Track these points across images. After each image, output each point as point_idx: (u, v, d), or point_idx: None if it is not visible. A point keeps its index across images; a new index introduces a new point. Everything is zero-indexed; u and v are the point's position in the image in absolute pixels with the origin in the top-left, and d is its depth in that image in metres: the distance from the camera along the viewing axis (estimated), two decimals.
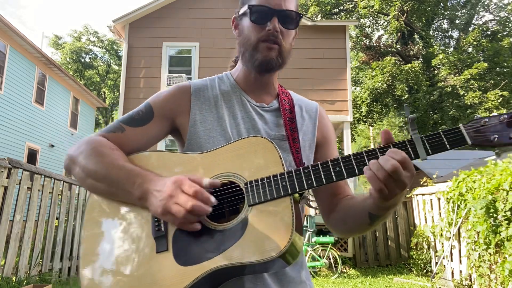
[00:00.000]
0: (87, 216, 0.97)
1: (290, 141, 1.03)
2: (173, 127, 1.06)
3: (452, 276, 5.23)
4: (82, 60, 32.13)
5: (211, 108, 1.06)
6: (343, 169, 0.84)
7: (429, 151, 0.80)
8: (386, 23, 22.65)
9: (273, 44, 1.01)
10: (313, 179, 0.85)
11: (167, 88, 1.10)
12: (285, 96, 1.14)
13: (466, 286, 4.87)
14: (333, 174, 0.85)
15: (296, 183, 0.86)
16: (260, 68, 1.03)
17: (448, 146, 0.79)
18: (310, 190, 0.93)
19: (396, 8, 19.37)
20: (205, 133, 1.02)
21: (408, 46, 21.19)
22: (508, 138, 0.78)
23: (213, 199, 0.83)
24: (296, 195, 0.88)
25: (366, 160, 0.83)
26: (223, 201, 0.90)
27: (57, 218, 6.07)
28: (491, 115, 0.81)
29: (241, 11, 1.06)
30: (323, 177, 0.85)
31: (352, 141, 17.98)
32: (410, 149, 0.81)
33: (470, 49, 19.42)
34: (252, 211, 0.85)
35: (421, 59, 20.60)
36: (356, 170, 0.83)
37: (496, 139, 0.78)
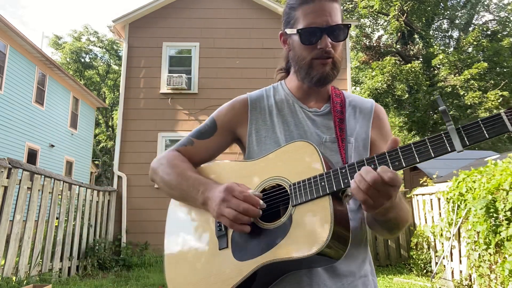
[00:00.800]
0: (168, 219, 1.17)
1: (339, 142, 1.07)
2: (235, 137, 1.18)
3: (452, 276, 5.23)
4: (82, 60, 32.12)
5: (266, 117, 1.14)
6: (378, 167, 0.84)
7: (466, 142, 0.77)
8: (386, 23, 22.65)
9: (326, 59, 1.06)
10: (349, 178, 0.88)
11: (228, 102, 1.20)
12: (338, 98, 1.18)
13: (466, 286, 4.87)
14: None
15: (333, 183, 0.90)
16: (318, 83, 1.10)
17: (487, 135, 0.76)
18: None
19: (396, 8, 19.37)
20: (260, 141, 1.12)
21: (408, 46, 21.19)
22: None
23: (261, 202, 0.93)
24: (339, 193, 0.92)
25: (401, 157, 0.83)
26: (273, 203, 0.99)
27: (57, 218, 6.07)
28: None
29: (289, 32, 1.10)
30: None
31: None
32: (446, 141, 0.79)
33: (470, 49, 19.42)
34: (296, 211, 0.93)
35: (421, 59, 20.60)
36: (391, 167, 0.83)
37: None
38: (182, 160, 1.15)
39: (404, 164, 0.83)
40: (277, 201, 0.99)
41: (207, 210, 1.02)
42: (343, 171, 0.90)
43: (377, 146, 1.15)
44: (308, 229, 0.89)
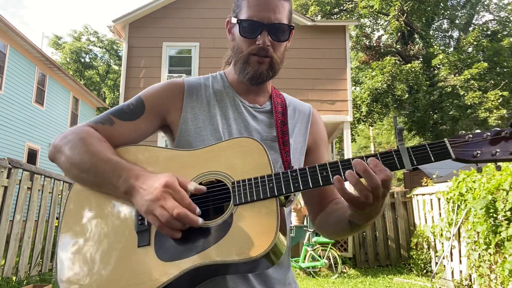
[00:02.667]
0: (69, 206, 0.95)
1: (280, 144, 1.03)
2: (164, 123, 1.05)
3: (452, 276, 5.23)
4: (82, 60, 32.13)
5: (203, 107, 1.05)
6: (330, 175, 0.85)
7: (414, 162, 0.83)
8: (386, 23, 22.65)
9: (263, 57, 1.01)
10: (300, 182, 0.86)
11: (160, 83, 1.08)
12: (278, 98, 1.13)
13: (466, 286, 4.87)
14: (320, 178, 0.86)
15: (283, 186, 0.86)
16: (251, 81, 1.04)
17: (432, 158, 0.83)
18: (297, 193, 0.93)
19: (396, 8, 19.37)
20: (195, 132, 1.01)
21: (408, 46, 21.18)
22: (490, 155, 0.82)
23: (198, 210, 0.82)
24: (282, 197, 0.89)
25: (353, 167, 0.84)
26: (209, 199, 0.90)
27: (57, 218, 6.07)
28: (475, 131, 0.85)
29: (233, 21, 1.04)
30: (310, 181, 0.86)
31: (352, 141, 17.99)
32: (396, 158, 0.84)
33: (470, 49, 19.42)
34: (238, 211, 0.86)
35: (421, 59, 20.60)
36: (343, 176, 0.83)
37: (478, 155, 0.82)
38: (98, 138, 0.95)
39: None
40: (215, 198, 0.90)
41: (130, 201, 0.87)
42: (294, 174, 0.87)
43: (313, 150, 1.13)
44: (251, 232, 0.82)
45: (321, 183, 0.85)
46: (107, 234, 0.89)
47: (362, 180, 0.80)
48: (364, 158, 0.84)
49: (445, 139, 0.84)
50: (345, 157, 1.08)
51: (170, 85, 1.07)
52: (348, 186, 0.90)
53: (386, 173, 0.79)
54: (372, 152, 0.88)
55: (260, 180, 0.87)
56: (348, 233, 0.99)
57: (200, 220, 0.81)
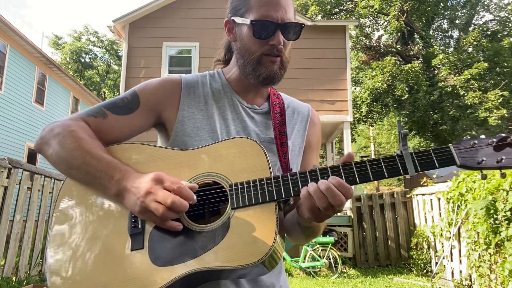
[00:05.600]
0: (59, 204, 0.91)
1: (278, 145, 1.01)
2: (158, 120, 1.02)
3: (452, 276, 5.23)
4: (82, 60, 32.13)
5: (201, 106, 1.02)
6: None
7: (418, 168, 0.82)
8: (386, 23, 22.64)
9: (275, 57, 0.99)
10: (301, 186, 0.84)
11: (157, 78, 1.05)
12: (276, 99, 1.11)
13: (466, 286, 4.86)
14: None
15: (282, 190, 0.84)
16: (264, 82, 1.01)
17: (437, 164, 0.81)
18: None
19: (396, 8, 19.37)
20: (192, 131, 0.98)
21: (408, 46, 21.17)
22: (495, 162, 0.80)
23: (194, 196, 0.80)
24: (281, 201, 0.86)
25: (355, 172, 0.83)
26: (205, 202, 0.87)
27: None
28: (480, 137, 0.83)
29: (239, 21, 1.00)
30: None
31: (352, 141, 17.98)
32: (399, 164, 0.82)
33: (470, 49, 19.41)
34: (235, 215, 0.83)
35: (421, 59, 20.59)
36: (344, 180, 0.83)
37: (483, 161, 0.81)
38: (89, 134, 0.91)
39: (358, 180, 0.83)
40: (211, 201, 0.87)
41: (121, 202, 0.85)
42: (294, 178, 0.84)
43: (306, 152, 1.11)
44: (249, 237, 0.79)
45: None
46: (99, 236, 0.85)
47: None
48: (367, 163, 0.84)
49: (450, 144, 0.82)
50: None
51: (167, 81, 1.03)
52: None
53: (350, 192, 0.80)
54: (373, 153, 0.87)
55: (259, 183, 0.84)
56: (302, 237, 1.00)
57: (194, 197, 0.80)
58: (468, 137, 0.85)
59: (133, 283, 0.80)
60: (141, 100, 0.99)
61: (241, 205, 0.83)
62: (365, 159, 0.86)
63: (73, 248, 0.86)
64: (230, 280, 0.90)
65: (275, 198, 0.83)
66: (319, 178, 0.84)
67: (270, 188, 0.84)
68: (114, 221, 0.86)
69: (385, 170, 0.83)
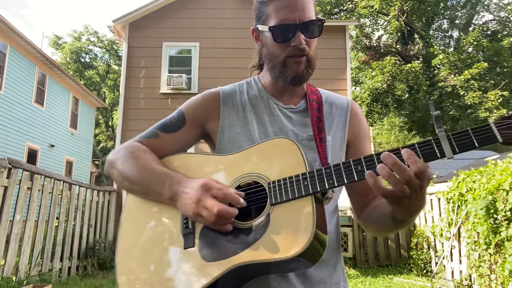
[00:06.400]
0: (125, 215, 1.04)
1: (317, 141, 1.03)
2: (204, 132, 1.11)
3: (452, 276, 5.23)
4: (82, 60, 32.14)
5: (239, 113, 1.09)
6: (365, 169, 0.82)
7: (456, 149, 0.78)
8: (386, 23, 22.65)
9: (300, 57, 1.02)
10: (335, 178, 0.85)
11: (198, 95, 1.14)
12: (314, 95, 1.14)
13: (466, 286, 4.87)
14: (354, 173, 0.84)
15: (317, 183, 0.86)
16: (293, 83, 1.05)
17: (476, 144, 0.77)
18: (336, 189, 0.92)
19: (396, 8, 19.37)
20: (233, 137, 1.05)
21: (408, 46, 21.18)
22: None
23: (241, 200, 0.87)
24: (319, 194, 0.89)
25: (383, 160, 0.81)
26: (248, 201, 0.93)
27: (57, 218, 6.07)
28: None
29: (261, 28, 1.05)
30: (344, 176, 0.85)
31: None
32: (435, 147, 0.79)
33: (470, 49, 19.41)
34: (274, 210, 0.88)
35: (421, 59, 20.60)
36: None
37: None
38: (144, 151, 1.04)
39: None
40: (253, 199, 0.93)
41: (175, 206, 0.94)
42: (328, 171, 0.87)
43: (354, 144, 1.11)
44: (288, 230, 0.84)
45: (355, 178, 0.83)
46: (158, 239, 0.97)
47: None
48: (400, 150, 0.80)
49: (490, 121, 0.78)
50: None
51: (207, 95, 1.12)
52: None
53: (418, 165, 0.75)
54: (373, 153, 0.86)
55: (295, 179, 0.88)
56: (394, 230, 0.97)
57: (236, 210, 0.86)
58: (511, 112, 0.79)
59: (190, 277, 0.89)
60: (186, 117, 1.09)
61: (279, 200, 0.88)
62: (413, 142, 0.83)
63: (138, 250, 0.98)
64: (277, 274, 0.94)
65: (311, 192, 0.86)
66: (353, 169, 0.84)
67: (305, 183, 0.87)
68: (169, 224, 0.97)
69: (420, 155, 0.79)
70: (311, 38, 1.02)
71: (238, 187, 0.94)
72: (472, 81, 16.89)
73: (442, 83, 18.02)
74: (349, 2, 23.41)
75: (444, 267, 5.46)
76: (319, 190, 0.86)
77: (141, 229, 1.00)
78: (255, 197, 0.93)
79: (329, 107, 1.12)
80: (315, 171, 0.88)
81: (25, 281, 4.87)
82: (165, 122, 1.11)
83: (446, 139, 0.78)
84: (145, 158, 1.01)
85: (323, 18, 1.04)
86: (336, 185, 0.86)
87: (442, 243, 5.57)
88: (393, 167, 0.76)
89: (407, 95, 18.91)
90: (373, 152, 0.86)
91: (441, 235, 5.48)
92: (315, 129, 1.05)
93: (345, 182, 0.85)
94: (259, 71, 1.20)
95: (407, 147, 0.81)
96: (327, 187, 0.86)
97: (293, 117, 1.09)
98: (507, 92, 17.09)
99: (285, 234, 0.84)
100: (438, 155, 0.78)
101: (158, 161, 1.02)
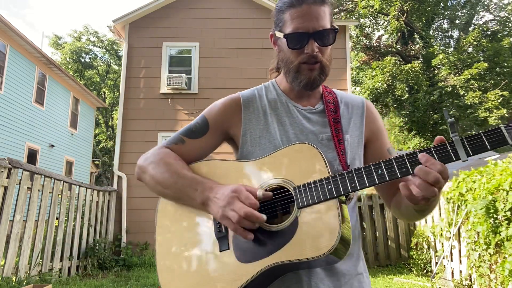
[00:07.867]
0: (159, 220, 1.11)
1: (335, 142, 1.08)
2: (227, 137, 1.17)
3: (452, 276, 5.23)
4: (82, 60, 32.11)
5: (260, 117, 1.13)
6: (385, 173, 0.89)
7: (470, 152, 0.84)
8: (386, 23, 22.65)
9: (313, 64, 1.07)
10: (357, 182, 0.91)
11: (219, 100, 1.18)
12: (330, 96, 1.19)
13: (466, 286, 4.87)
14: (375, 177, 0.90)
15: (340, 187, 0.92)
16: (306, 88, 1.11)
17: (488, 147, 0.82)
18: None
19: (396, 8, 19.37)
20: (255, 141, 1.10)
21: (408, 46, 21.18)
22: None
23: (264, 217, 0.91)
24: (342, 197, 0.94)
25: (408, 164, 0.88)
26: (275, 204, 0.99)
27: (57, 218, 6.07)
28: None
29: (278, 34, 1.11)
30: (366, 180, 0.91)
31: None
32: (450, 151, 0.85)
33: (470, 49, 19.41)
34: (302, 213, 0.94)
35: (421, 59, 20.59)
36: (398, 173, 0.88)
37: None
38: (175, 158, 1.10)
39: (411, 171, 0.88)
40: (280, 203, 0.99)
41: (206, 210, 1.00)
42: (350, 175, 0.92)
43: (373, 141, 1.17)
44: (316, 231, 0.91)
45: (377, 181, 0.90)
46: (195, 242, 1.03)
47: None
48: (418, 153, 0.87)
49: (500, 125, 0.83)
50: None
51: (228, 101, 1.16)
52: None
53: (438, 167, 0.83)
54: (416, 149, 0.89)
55: (319, 183, 0.94)
56: (419, 218, 1.05)
57: (265, 217, 0.91)
58: None
59: (227, 277, 0.96)
60: (209, 123, 1.14)
61: (305, 204, 0.94)
62: (414, 144, 0.89)
63: (177, 253, 1.04)
64: (306, 270, 1.01)
65: (335, 195, 0.92)
66: (374, 173, 0.90)
67: (329, 187, 0.93)
68: (203, 227, 1.04)
69: (436, 158, 0.86)
70: (324, 46, 1.07)
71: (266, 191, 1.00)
72: (472, 81, 16.89)
73: (442, 83, 18.02)
74: (349, 2, 23.40)
75: (444, 267, 5.46)
76: (342, 193, 0.92)
77: (177, 234, 1.06)
78: (283, 201, 0.98)
79: (345, 107, 1.18)
80: (337, 175, 0.93)
81: (25, 281, 4.87)
82: (189, 128, 1.15)
83: (460, 143, 0.84)
84: (176, 164, 1.07)
85: (337, 27, 1.08)
86: (358, 188, 0.91)
87: (442, 243, 5.57)
88: (419, 172, 0.84)
89: (407, 95, 18.91)
90: (392, 155, 0.93)
91: (441, 235, 5.48)
92: (333, 130, 1.10)
93: (367, 185, 0.91)
94: (278, 74, 1.25)
95: (424, 151, 0.87)
96: (350, 190, 0.91)
97: (312, 118, 1.13)
98: (507, 92, 17.09)
99: (314, 235, 0.90)
100: (454, 158, 0.85)
101: (188, 168, 1.08)
